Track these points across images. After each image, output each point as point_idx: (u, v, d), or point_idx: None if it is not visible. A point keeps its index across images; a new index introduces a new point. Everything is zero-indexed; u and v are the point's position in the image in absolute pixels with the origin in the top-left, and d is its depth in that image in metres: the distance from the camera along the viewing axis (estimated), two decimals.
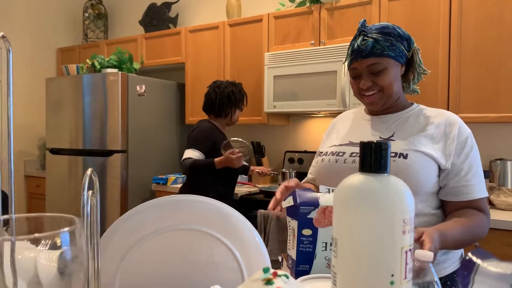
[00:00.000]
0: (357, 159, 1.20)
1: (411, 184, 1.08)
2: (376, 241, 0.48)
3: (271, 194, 2.66)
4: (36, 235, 0.40)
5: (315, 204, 0.91)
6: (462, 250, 1.25)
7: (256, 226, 2.30)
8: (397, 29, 1.17)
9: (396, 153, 1.14)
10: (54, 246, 0.44)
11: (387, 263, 0.48)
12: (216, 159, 2.40)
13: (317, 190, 1.29)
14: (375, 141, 0.52)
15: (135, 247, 0.77)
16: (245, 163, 3.09)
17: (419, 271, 0.64)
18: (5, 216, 0.48)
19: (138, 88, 3.31)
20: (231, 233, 0.78)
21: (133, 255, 0.77)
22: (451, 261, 1.19)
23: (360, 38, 1.16)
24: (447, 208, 1.17)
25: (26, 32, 4.16)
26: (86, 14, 4.36)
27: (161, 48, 3.68)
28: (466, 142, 1.15)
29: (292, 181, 1.21)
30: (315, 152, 2.93)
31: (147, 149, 3.42)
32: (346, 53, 2.05)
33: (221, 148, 2.45)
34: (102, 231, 2.05)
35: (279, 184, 1.84)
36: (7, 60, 0.48)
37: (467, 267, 0.46)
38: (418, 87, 1.32)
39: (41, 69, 4.31)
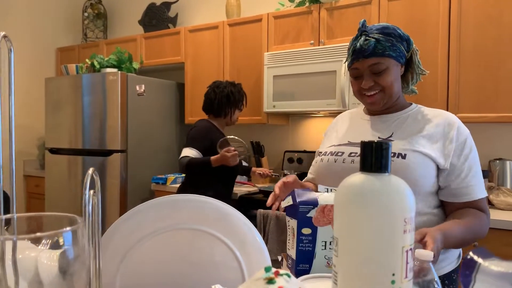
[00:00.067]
0: (356, 159, 1.20)
1: (409, 184, 1.09)
2: (377, 240, 0.48)
3: (270, 194, 2.66)
4: (39, 234, 0.40)
5: (314, 203, 0.91)
6: (460, 250, 1.26)
7: (255, 226, 2.30)
8: (397, 30, 1.18)
9: (394, 153, 1.15)
10: (54, 246, 0.44)
11: (388, 262, 0.48)
12: (212, 157, 2.41)
13: (317, 190, 1.30)
14: (375, 141, 0.52)
15: (136, 247, 0.77)
16: (244, 163, 3.09)
17: (420, 270, 0.64)
18: (7, 216, 0.48)
19: (137, 88, 3.31)
20: (231, 232, 0.78)
21: (133, 255, 0.77)
22: (449, 260, 1.20)
23: (362, 38, 1.16)
24: (447, 208, 1.18)
25: (25, 32, 4.16)
26: (86, 14, 4.36)
27: (160, 48, 3.68)
28: (466, 143, 1.16)
29: (290, 177, 1.22)
30: (314, 152, 2.94)
31: (147, 149, 3.42)
32: (345, 53, 2.06)
33: (217, 146, 2.46)
34: (102, 231, 2.04)
35: None
36: (9, 59, 0.48)
37: (469, 266, 0.46)
38: (416, 88, 1.33)
39: (40, 68, 4.30)
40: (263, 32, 3.06)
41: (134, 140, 3.30)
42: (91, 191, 0.49)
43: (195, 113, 3.45)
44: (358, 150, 1.22)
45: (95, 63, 3.35)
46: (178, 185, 3.12)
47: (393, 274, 0.49)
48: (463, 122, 1.24)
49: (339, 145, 1.28)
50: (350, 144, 1.26)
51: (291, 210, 0.95)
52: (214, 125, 2.62)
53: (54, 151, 3.62)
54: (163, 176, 3.28)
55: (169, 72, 4.09)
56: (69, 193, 3.51)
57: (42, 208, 3.89)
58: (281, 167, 3.26)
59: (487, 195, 1.18)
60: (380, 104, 1.21)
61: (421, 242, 0.91)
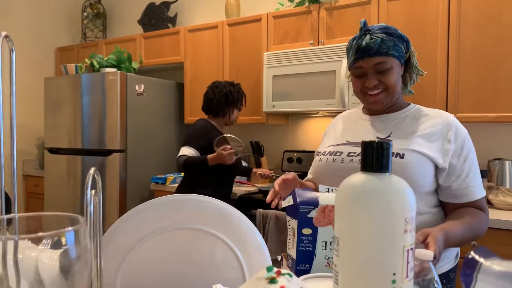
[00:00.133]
0: (355, 158, 1.21)
1: (408, 183, 1.09)
2: (378, 240, 0.49)
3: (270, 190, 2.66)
4: (41, 234, 0.40)
5: (314, 203, 0.91)
6: (458, 249, 1.27)
7: (254, 226, 2.29)
8: (398, 31, 1.20)
9: (393, 153, 1.15)
10: (55, 246, 0.44)
11: (389, 262, 0.49)
12: (209, 156, 2.42)
13: (317, 190, 1.30)
14: (376, 141, 0.52)
15: (136, 246, 0.77)
16: (244, 163, 3.09)
17: (420, 270, 0.65)
18: (8, 216, 0.48)
19: (137, 87, 3.31)
20: (232, 232, 0.79)
21: (134, 255, 0.77)
22: (447, 260, 1.21)
23: (368, 37, 1.17)
24: (447, 207, 1.19)
25: (24, 32, 4.15)
26: (85, 14, 4.35)
27: (160, 47, 3.68)
28: (464, 143, 1.17)
29: (290, 175, 1.23)
30: (314, 152, 2.94)
31: (146, 149, 3.42)
32: (345, 53, 2.05)
33: (213, 144, 2.46)
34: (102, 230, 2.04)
35: None
36: (10, 59, 0.48)
37: (470, 265, 0.46)
38: (415, 88, 1.33)
39: (39, 68, 4.30)
40: (263, 32, 3.06)
41: (134, 140, 3.30)
42: (93, 191, 0.49)
43: (194, 113, 3.45)
44: (356, 150, 1.22)
45: (95, 62, 3.35)
46: (177, 185, 3.12)
47: (394, 274, 0.49)
48: (463, 122, 1.25)
49: (338, 145, 1.29)
50: (348, 144, 1.26)
51: (292, 210, 0.95)
52: (212, 125, 2.63)
53: (53, 150, 3.62)
54: (162, 176, 3.28)
55: (168, 72, 4.09)
56: (68, 193, 3.51)
57: (41, 208, 3.89)
58: (281, 167, 3.26)
59: (485, 194, 1.19)
60: (383, 104, 1.22)
61: (423, 243, 0.92)
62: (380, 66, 1.17)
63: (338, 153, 1.25)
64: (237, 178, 3.19)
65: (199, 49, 3.42)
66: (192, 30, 3.45)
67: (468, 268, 0.46)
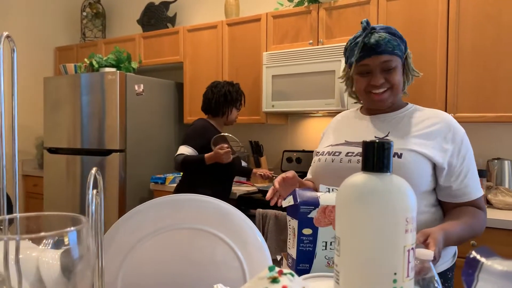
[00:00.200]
0: (353, 158, 1.21)
1: None
2: (379, 239, 0.49)
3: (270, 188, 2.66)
4: (43, 234, 0.40)
5: (315, 203, 0.91)
6: (455, 249, 1.28)
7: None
8: (398, 32, 1.21)
9: None
10: (55, 246, 0.44)
11: (390, 261, 0.49)
12: (206, 155, 2.43)
13: (317, 189, 1.30)
14: (377, 141, 0.52)
15: (137, 246, 0.78)
16: (244, 163, 3.09)
17: (420, 269, 0.65)
18: (10, 216, 0.48)
19: (136, 87, 3.31)
20: (232, 232, 0.79)
21: (134, 255, 0.77)
22: (445, 259, 1.22)
23: (376, 34, 1.17)
24: (445, 206, 1.20)
25: (24, 31, 4.15)
26: (84, 13, 4.35)
27: (159, 47, 3.68)
28: (462, 143, 1.17)
29: (290, 173, 1.24)
30: (313, 152, 2.94)
31: (145, 149, 3.42)
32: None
33: (211, 143, 2.47)
34: None
35: None
36: (12, 59, 0.48)
37: (471, 265, 0.46)
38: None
39: (39, 68, 4.29)
40: (262, 32, 3.06)
41: (133, 140, 3.30)
42: (94, 191, 0.49)
43: (193, 113, 3.45)
44: (355, 149, 1.23)
45: (94, 62, 3.35)
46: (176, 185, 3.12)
47: (395, 273, 0.49)
48: (462, 122, 1.25)
49: (336, 145, 1.29)
50: (347, 143, 1.27)
51: (292, 210, 0.95)
52: (211, 124, 2.64)
53: (52, 150, 3.61)
54: (162, 176, 3.28)
55: (167, 71, 4.08)
56: (67, 193, 3.50)
57: (41, 207, 3.88)
58: (280, 167, 3.26)
59: (483, 193, 1.20)
60: (387, 102, 1.22)
61: (424, 243, 0.92)
62: (386, 64, 1.17)
63: (337, 153, 1.25)
64: (237, 178, 3.19)
65: (199, 49, 3.42)
66: (192, 30, 3.45)
67: (469, 267, 0.46)
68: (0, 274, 0.45)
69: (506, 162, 2.35)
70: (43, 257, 0.46)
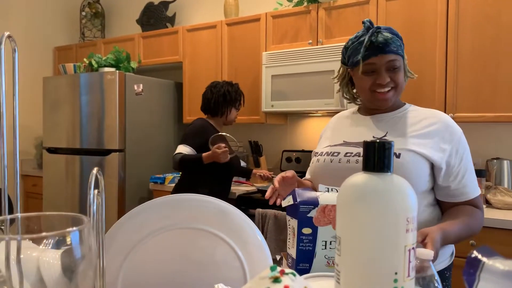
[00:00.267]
0: (352, 158, 1.21)
1: None
2: (379, 239, 0.49)
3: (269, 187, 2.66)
4: (44, 233, 0.40)
5: (314, 203, 0.92)
6: (453, 248, 1.28)
7: None
8: (398, 33, 1.22)
9: None
10: (56, 245, 0.44)
11: (391, 261, 0.49)
12: (204, 154, 2.43)
13: (316, 189, 1.30)
14: (378, 141, 0.52)
15: (137, 246, 0.78)
16: (243, 163, 3.10)
17: (420, 269, 0.65)
18: (11, 216, 0.48)
19: (135, 87, 3.30)
20: (233, 231, 0.79)
21: (135, 254, 0.77)
22: (442, 258, 1.22)
23: (384, 33, 1.17)
24: (443, 206, 1.21)
25: (23, 31, 4.14)
26: (83, 13, 4.35)
27: (158, 47, 3.68)
28: (460, 143, 1.18)
29: (289, 172, 1.24)
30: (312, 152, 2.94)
31: (145, 149, 3.42)
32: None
33: (209, 143, 2.47)
34: None
35: None
36: (13, 59, 0.48)
37: (473, 265, 0.46)
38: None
39: (38, 68, 4.29)
40: (261, 32, 3.06)
41: (132, 140, 3.30)
42: (95, 191, 0.49)
43: (193, 113, 3.45)
44: (353, 150, 1.23)
45: (93, 62, 3.35)
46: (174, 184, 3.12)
47: (396, 273, 0.49)
48: (461, 122, 1.25)
49: (335, 145, 1.29)
50: (345, 144, 1.27)
51: (292, 210, 0.95)
52: (210, 124, 2.64)
53: (52, 150, 3.61)
54: (161, 176, 3.28)
55: (167, 71, 4.08)
56: (66, 193, 3.50)
57: (40, 207, 3.88)
58: (279, 167, 3.26)
59: (480, 192, 1.21)
60: (391, 102, 1.22)
61: (421, 243, 0.93)
62: (392, 63, 1.18)
63: (335, 154, 1.25)
64: (237, 178, 3.20)
65: (198, 48, 3.42)
66: (191, 29, 3.45)
67: (471, 267, 0.46)
68: (1, 275, 0.45)
69: (505, 162, 2.35)
70: (44, 257, 0.46)
